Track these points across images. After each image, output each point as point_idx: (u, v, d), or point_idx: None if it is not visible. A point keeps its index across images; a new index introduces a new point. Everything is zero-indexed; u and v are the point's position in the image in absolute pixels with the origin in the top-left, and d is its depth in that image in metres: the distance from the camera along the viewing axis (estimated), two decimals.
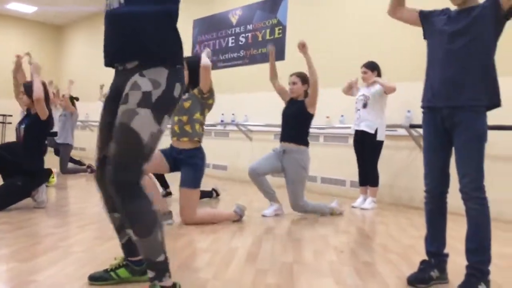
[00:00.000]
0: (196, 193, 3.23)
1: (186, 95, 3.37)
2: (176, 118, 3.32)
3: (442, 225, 2.09)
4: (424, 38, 2.15)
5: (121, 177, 1.47)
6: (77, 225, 3.04)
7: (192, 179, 3.20)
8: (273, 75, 4.02)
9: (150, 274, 1.58)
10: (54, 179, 4.98)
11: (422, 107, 2.11)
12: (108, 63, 1.69)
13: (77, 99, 6.69)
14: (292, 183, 3.77)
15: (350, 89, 4.76)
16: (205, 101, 3.33)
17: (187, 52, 8.22)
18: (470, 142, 1.91)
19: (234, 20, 7.24)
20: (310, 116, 3.85)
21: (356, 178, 4.75)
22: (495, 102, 1.94)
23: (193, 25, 7.95)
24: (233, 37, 7.21)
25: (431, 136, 2.07)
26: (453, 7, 2.07)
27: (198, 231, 3.03)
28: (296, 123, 3.86)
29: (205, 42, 7.71)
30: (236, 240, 2.84)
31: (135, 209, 1.50)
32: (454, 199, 2.06)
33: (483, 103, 1.92)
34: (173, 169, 3.37)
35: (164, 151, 3.35)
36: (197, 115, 3.30)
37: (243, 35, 7.05)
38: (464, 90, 1.91)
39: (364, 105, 4.50)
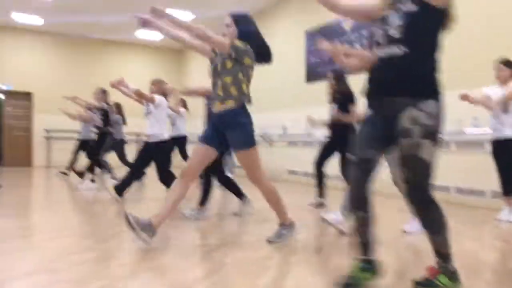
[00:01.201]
0: (252, 152, 2.96)
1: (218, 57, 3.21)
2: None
3: None
4: None
5: (418, 196, 1.90)
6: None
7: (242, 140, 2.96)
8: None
9: (438, 261, 1.95)
10: None
11: None
12: (375, 94, 2.01)
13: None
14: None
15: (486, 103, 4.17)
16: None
17: (300, 65, 8.28)
18: None
19: (347, 27, 7.16)
20: None
21: (497, 187, 4.31)
22: None
23: (305, 36, 8.02)
24: (348, 45, 7.11)
25: None
26: None
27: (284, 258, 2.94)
28: None
29: (319, 52, 7.72)
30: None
31: (429, 216, 1.93)
32: None
33: None
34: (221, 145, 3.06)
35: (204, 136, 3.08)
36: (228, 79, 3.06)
37: (359, 42, 6.92)
38: None
39: (504, 109, 4.04)
